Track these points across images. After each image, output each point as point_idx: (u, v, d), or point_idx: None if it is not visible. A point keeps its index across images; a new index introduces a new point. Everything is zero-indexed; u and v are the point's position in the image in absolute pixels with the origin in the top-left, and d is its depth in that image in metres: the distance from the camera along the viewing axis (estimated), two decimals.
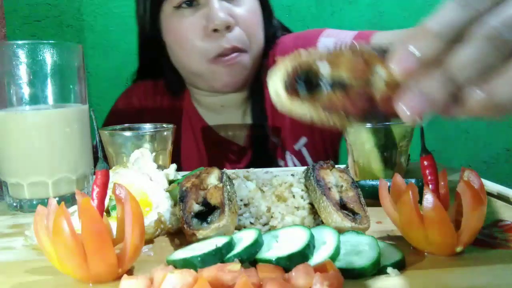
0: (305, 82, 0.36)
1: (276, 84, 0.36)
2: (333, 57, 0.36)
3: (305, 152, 1.09)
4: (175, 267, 0.45)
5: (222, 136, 1.12)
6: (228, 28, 0.94)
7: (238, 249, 0.47)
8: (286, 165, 1.07)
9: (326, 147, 1.10)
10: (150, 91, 1.17)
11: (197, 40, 0.96)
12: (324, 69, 0.36)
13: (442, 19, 0.33)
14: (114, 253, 0.46)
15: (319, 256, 0.47)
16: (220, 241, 0.47)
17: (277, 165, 1.08)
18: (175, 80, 1.12)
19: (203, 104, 1.13)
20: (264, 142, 1.08)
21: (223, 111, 1.12)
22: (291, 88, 0.35)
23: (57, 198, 0.72)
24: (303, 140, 1.09)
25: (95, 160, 0.60)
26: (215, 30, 0.94)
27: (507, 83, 0.33)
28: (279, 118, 1.10)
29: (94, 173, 0.50)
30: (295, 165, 1.07)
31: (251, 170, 0.82)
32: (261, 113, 1.08)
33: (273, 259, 0.46)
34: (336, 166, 0.67)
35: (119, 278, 0.44)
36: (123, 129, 0.86)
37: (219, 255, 0.46)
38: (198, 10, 0.96)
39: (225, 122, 1.13)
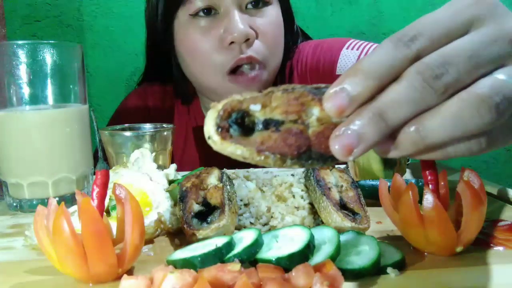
0: (238, 124, 0.35)
1: (208, 127, 0.35)
2: (267, 98, 0.36)
3: None
4: (175, 267, 0.45)
5: None
6: (247, 41, 0.88)
7: (238, 249, 0.47)
8: None
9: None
10: (159, 95, 1.13)
11: (213, 52, 0.89)
12: (257, 111, 0.36)
13: (374, 58, 0.33)
14: (114, 253, 0.46)
15: (319, 256, 0.47)
16: (220, 241, 0.47)
17: None
18: (185, 88, 1.07)
19: None
20: None
21: None
22: (224, 130, 0.35)
23: (57, 198, 0.72)
24: None
25: (96, 160, 0.60)
26: (233, 43, 0.88)
27: (439, 122, 0.32)
28: None
29: (94, 173, 0.50)
30: None
31: (251, 170, 0.82)
32: None
33: (273, 259, 0.46)
34: (336, 166, 0.67)
35: (119, 278, 0.44)
36: (123, 129, 0.86)
37: (219, 255, 0.46)
38: (216, 21, 0.89)
39: None
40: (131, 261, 0.48)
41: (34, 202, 0.72)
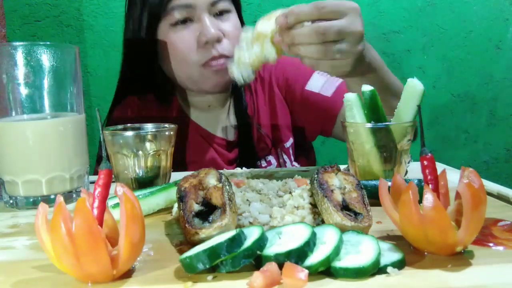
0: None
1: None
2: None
3: (290, 150, 1.27)
4: (192, 262, 0.45)
5: (212, 134, 1.24)
6: (218, 41, 1.09)
7: (247, 243, 0.47)
8: (277, 160, 1.25)
9: (307, 147, 1.37)
10: (137, 106, 1.24)
11: (191, 51, 1.11)
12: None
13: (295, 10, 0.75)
14: (106, 255, 0.45)
15: (318, 254, 0.47)
16: (229, 234, 0.47)
17: (266, 160, 1.25)
18: (168, 87, 1.22)
19: (193, 105, 1.25)
20: (248, 137, 1.23)
21: (210, 110, 1.25)
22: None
23: (52, 196, 0.73)
24: (291, 140, 1.28)
25: (99, 159, 0.60)
26: (207, 43, 1.09)
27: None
28: (263, 114, 1.26)
29: (97, 173, 0.50)
30: (284, 161, 1.25)
31: (251, 170, 0.82)
32: (242, 111, 1.24)
33: (272, 255, 0.46)
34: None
35: (115, 279, 0.43)
36: (124, 129, 0.86)
37: (240, 242, 0.47)
38: (191, 25, 1.10)
39: (213, 121, 1.25)
40: (127, 263, 0.47)
41: (30, 200, 0.73)
